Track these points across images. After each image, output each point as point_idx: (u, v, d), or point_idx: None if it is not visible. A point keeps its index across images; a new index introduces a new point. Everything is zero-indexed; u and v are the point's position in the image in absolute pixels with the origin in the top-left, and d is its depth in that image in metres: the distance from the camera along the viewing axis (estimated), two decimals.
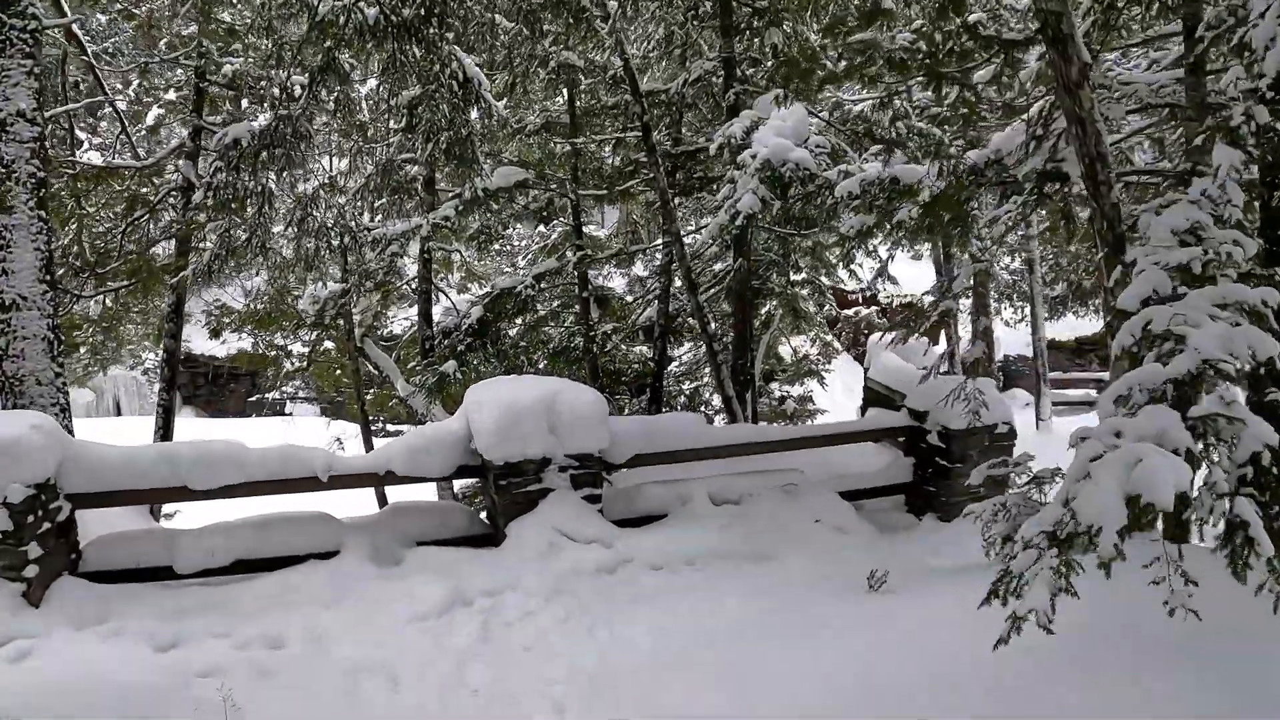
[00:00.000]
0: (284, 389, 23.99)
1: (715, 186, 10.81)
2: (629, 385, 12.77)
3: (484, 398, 7.20)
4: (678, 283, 12.19)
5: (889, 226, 5.89)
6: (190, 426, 27.33)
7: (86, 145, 17.01)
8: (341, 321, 11.19)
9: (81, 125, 21.35)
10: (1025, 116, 5.48)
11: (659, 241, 12.46)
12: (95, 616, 6.02)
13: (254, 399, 26.74)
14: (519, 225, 24.87)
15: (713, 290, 12.40)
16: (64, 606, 6.07)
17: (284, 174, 7.10)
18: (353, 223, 10.01)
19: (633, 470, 7.98)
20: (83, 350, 13.67)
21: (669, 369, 13.56)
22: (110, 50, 16.70)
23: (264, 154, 6.72)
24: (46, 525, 6.10)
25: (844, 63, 5.22)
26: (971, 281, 5.89)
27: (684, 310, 12.66)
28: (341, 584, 6.44)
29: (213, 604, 6.29)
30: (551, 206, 13.39)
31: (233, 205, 7.00)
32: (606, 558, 6.86)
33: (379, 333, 22.24)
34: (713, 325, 11.43)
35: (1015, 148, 5.88)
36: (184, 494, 6.63)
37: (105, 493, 6.49)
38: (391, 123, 10.85)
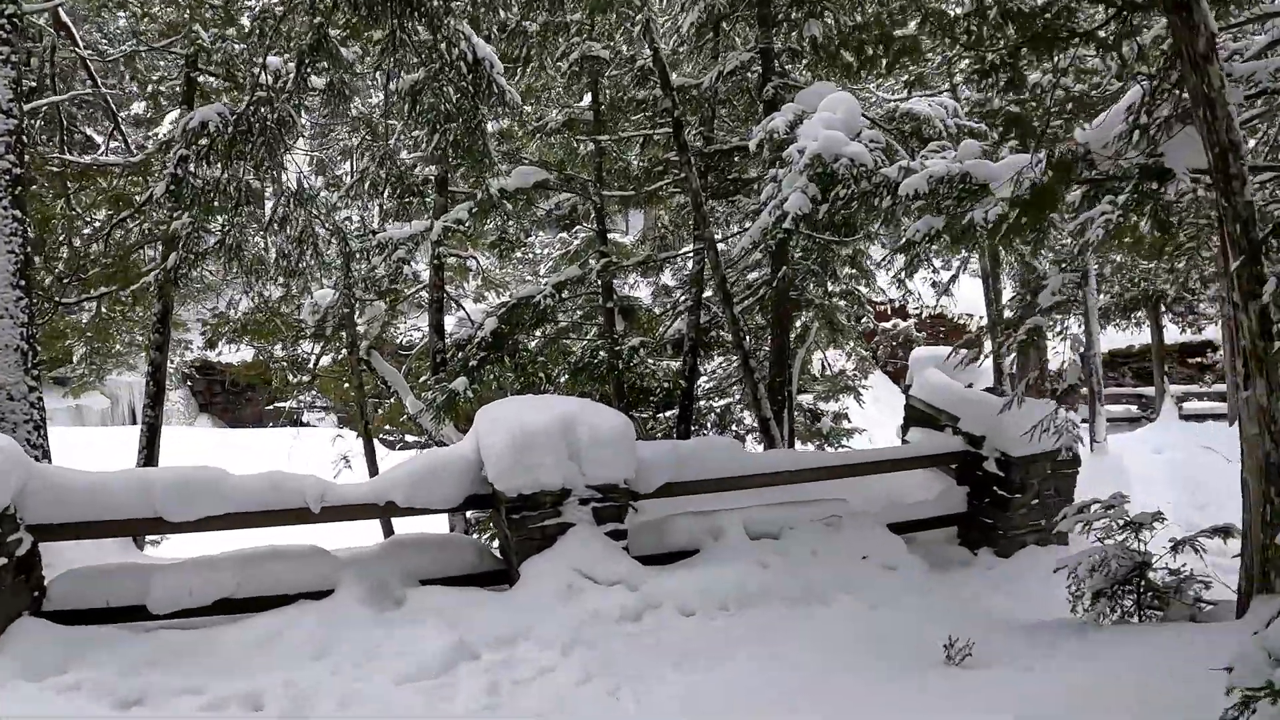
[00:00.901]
0: (301, 398, 23.36)
1: (755, 187, 10.05)
2: (656, 403, 12.02)
3: (496, 419, 6.51)
4: (708, 293, 11.47)
5: (960, 230, 5.15)
6: (200, 438, 26.88)
7: (103, 149, 16.38)
8: (344, 333, 10.48)
9: (99, 129, 20.88)
10: (1139, 93, 4.72)
11: (689, 248, 11.72)
12: (55, 665, 5.41)
13: (271, 407, 26.23)
14: (540, 233, 24.27)
15: (746, 301, 11.65)
16: (21, 652, 5.47)
17: (264, 167, 6.36)
18: (345, 223, 9.26)
19: (659, 500, 7.27)
20: (76, 359, 13.09)
21: (697, 385, 12.78)
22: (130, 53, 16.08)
23: (239, 142, 5.99)
24: (3, 560, 5.45)
25: (929, 25, 4.49)
26: (1061, 295, 5.17)
27: (715, 323, 11.92)
28: (333, 630, 5.77)
29: (187, 651, 5.65)
30: (575, 214, 12.72)
31: (209, 200, 6.24)
32: (632, 602, 6.17)
33: (397, 341, 21.58)
34: (747, 340, 10.66)
35: (1112, 139, 5.13)
36: (159, 525, 6.00)
37: (71, 524, 5.85)
38: (394, 113, 10.15)
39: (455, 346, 9.79)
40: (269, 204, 8.39)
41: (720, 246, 10.31)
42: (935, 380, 10.60)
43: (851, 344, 14.47)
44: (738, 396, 13.97)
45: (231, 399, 37.12)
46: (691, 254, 11.14)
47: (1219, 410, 25.39)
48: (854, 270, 13.39)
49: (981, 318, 34.92)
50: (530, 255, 28.82)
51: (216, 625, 5.93)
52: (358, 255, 8.77)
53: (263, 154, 6.06)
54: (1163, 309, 27.06)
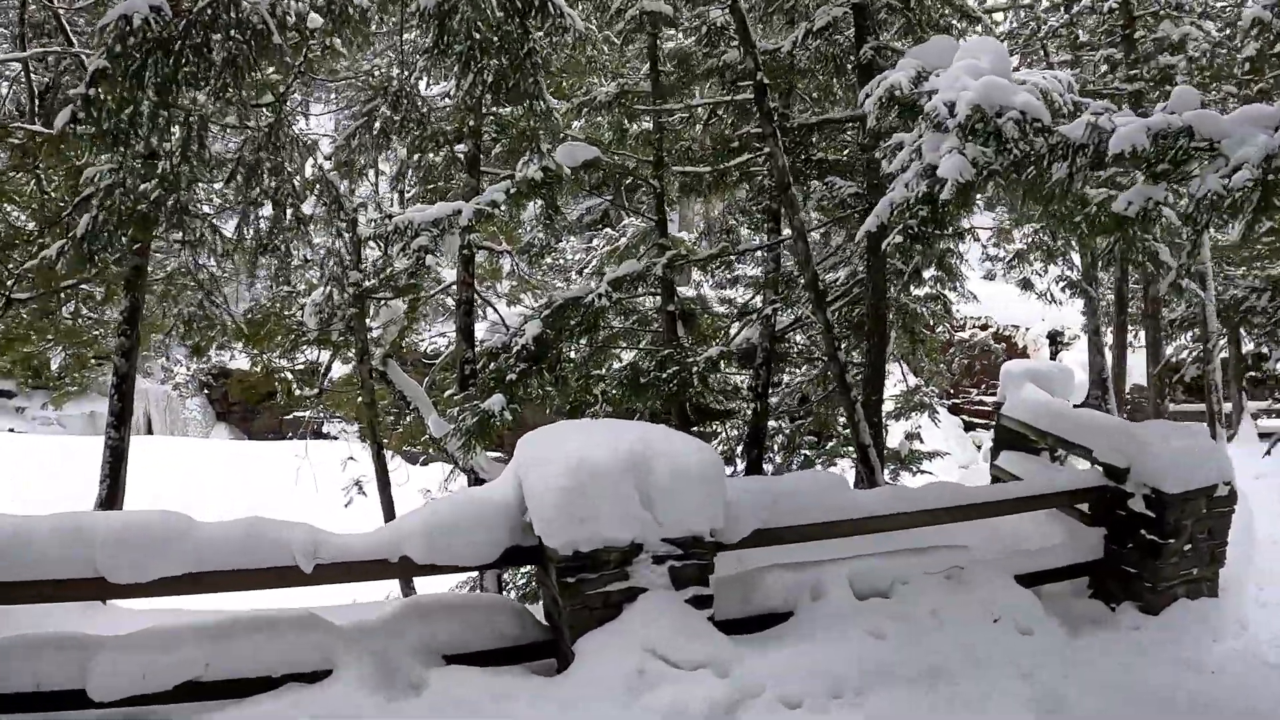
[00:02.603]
0: (321, 410, 22.12)
1: (879, 160, 8.55)
2: (721, 422, 10.63)
3: (544, 451, 5.12)
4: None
5: (1203, 202, 3.71)
6: (212, 451, 25.82)
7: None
8: (353, 338, 9.06)
9: None
10: None
11: (759, 241, 10.27)
12: None
13: (291, 417, 25.04)
14: (572, 238, 22.92)
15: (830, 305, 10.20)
16: None
17: (227, 94, 4.77)
18: (335, 177, 7.75)
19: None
20: (55, 366, 11.83)
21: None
22: None
23: (184, 53, 4.43)
24: None
25: None
26: None
27: (789, 332, 10.48)
28: None
29: None
30: (607, 217, 11.48)
31: (131, 132, 4.53)
32: (722, 692, 4.80)
33: (421, 349, 20.16)
34: (841, 350, 9.20)
35: None
36: (101, 588, 4.65)
37: None
38: (413, 49, 8.74)
39: (488, 356, 8.39)
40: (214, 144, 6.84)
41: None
42: (1036, 398, 9.31)
43: (934, 356, 12.99)
44: (807, 420, 12.50)
45: (250, 408, 36.09)
46: (768, 247, 9.70)
47: None
48: (939, 271, 11.94)
49: (1028, 329, 33.60)
50: (560, 261, 27.53)
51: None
52: (366, 240, 7.38)
53: (226, 79, 4.56)
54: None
